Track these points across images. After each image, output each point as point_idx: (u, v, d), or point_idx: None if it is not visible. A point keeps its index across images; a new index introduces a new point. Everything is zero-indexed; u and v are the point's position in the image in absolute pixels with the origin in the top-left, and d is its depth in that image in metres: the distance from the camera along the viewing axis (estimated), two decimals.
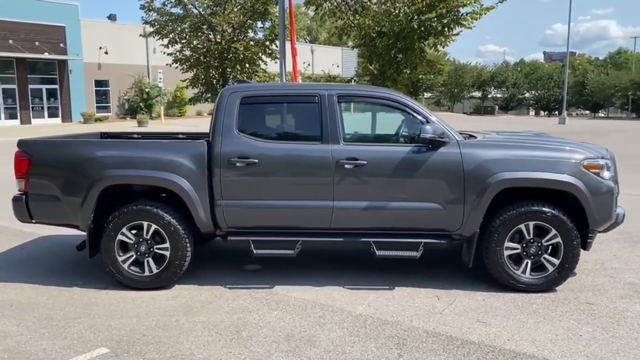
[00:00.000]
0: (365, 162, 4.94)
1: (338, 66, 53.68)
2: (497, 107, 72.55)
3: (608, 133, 28.20)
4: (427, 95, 67.77)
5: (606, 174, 4.98)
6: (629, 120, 58.22)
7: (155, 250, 5.14)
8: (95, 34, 34.25)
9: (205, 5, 16.05)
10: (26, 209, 5.23)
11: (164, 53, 16.96)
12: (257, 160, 4.98)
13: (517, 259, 5.01)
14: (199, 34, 16.37)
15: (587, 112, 79.84)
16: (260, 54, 16.66)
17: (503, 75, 69.67)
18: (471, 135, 5.39)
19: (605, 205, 4.95)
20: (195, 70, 16.68)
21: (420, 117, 5.09)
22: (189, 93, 17.28)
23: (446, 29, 12.52)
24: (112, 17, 38.30)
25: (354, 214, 5.04)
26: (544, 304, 4.73)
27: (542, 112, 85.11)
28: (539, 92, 76.83)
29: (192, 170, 5.04)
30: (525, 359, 3.77)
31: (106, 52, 34.98)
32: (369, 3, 12.60)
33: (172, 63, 16.80)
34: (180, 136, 6.68)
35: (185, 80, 17.44)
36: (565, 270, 4.97)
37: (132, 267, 5.17)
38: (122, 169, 5.09)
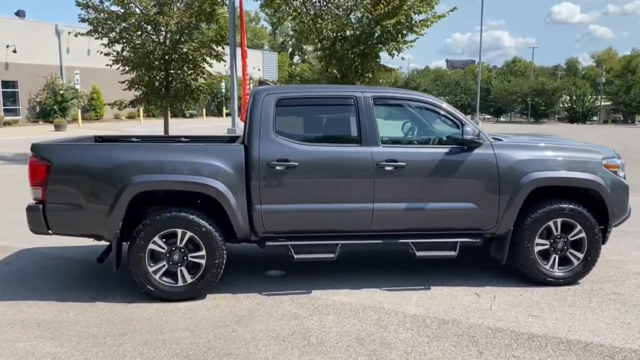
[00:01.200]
0: (404, 164, 5.00)
1: (259, 69, 53.49)
2: None
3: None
4: None
5: (621, 173, 5.36)
6: (529, 124, 62.54)
7: (190, 259, 4.89)
8: (1, 31, 31.79)
9: (149, 4, 15.40)
10: (43, 219, 4.79)
11: (101, 53, 16.09)
12: (297, 164, 4.89)
13: (544, 255, 5.26)
14: (142, 33, 15.70)
15: (490, 116, 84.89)
16: (205, 56, 16.25)
17: (416, 81, 72.71)
18: (495, 138, 5.60)
19: (622, 201, 5.33)
20: (137, 71, 15.96)
21: (453, 120, 5.22)
22: (129, 95, 16.39)
23: (399, 35, 12.88)
24: (20, 14, 35.71)
25: (394, 216, 5.07)
26: (577, 297, 5.01)
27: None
28: (447, 97, 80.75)
29: (230, 175, 4.85)
30: (595, 347, 3.97)
31: (14, 51, 32.52)
32: (329, 8, 12.69)
33: (112, 64, 15.97)
34: (183, 139, 6.41)
35: (124, 82, 16.64)
36: (589, 263, 5.29)
37: (163, 278, 4.88)
38: (157, 174, 4.81)
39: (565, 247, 5.26)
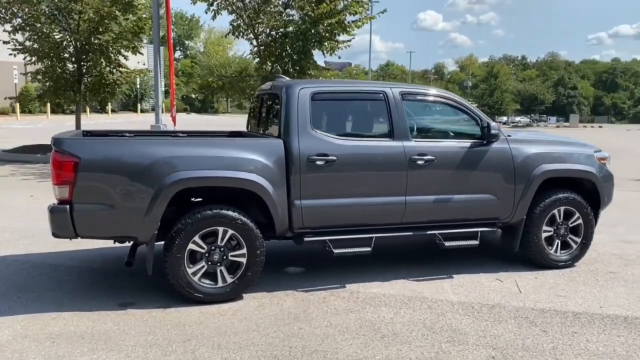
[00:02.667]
0: (434, 158, 5.18)
1: (144, 64, 51.07)
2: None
3: None
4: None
5: (609, 165, 5.99)
6: None
7: (230, 258, 4.69)
8: None
9: None
10: (71, 221, 4.33)
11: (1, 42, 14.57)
12: (335, 158, 4.88)
13: (549, 240, 5.72)
14: (52, 22, 14.44)
15: None
16: (122, 49, 15.33)
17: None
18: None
19: (610, 190, 5.96)
20: (46, 62, 14.64)
21: (473, 115, 5.50)
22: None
23: (333, 35, 13.09)
24: None
25: (424, 208, 5.24)
26: (584, 277, 5.52)
27: None
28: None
29: (272, 170, 4.72)
30: (634, 320, 4.43)
31: None
32: (267, 3, 12.57)
33: (17, 53, 14.49)
34: (180, 134, 6.10)
35: (27, 74, 15.19)
36: (585, 247, 5.85)
37: (203, 280, 4.64)
38: (199, 170, 4.54)
39: (566, 233, 5.76)
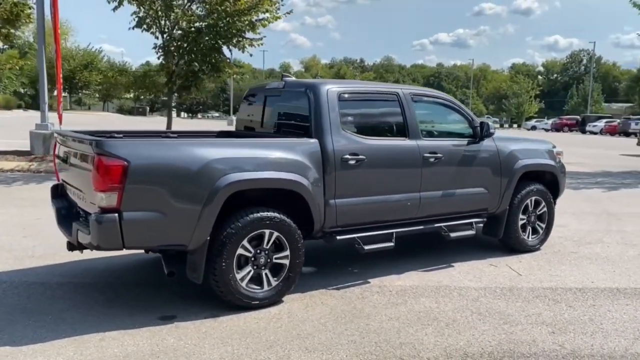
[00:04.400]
0: (442, 155, 5.56)
1: None
2: (148, 108, 73.19)
3: None
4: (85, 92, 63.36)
5: (563, 159, 6.86)
6: None
7: (274, 261, 4.61)
8: None
9: None
10: (120, 231, 3.94)
11: None
12: (365, 157, 5.02)
13: (523, 227, 6.41)
14: None
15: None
16: None
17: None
18: None
19: (564, 181, 6.83)
20: None
21: (466, 115, 5.97)
22: None
23: (241, 31, 12.98)
24: None
25: (434, 203, 5.58)
26: (558, 258, 6.27)
27: (183, 114, 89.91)
28: (183, 95, 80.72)
29: (311, 170, 4.72)
30: (629, 290, 5.19)
31: None
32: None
33: None
34: (171, 135, 5.77)
35: None
36: (548, 231, 6.65)
37: (249, 285, 4.50)
38: (249, 172, 4.39)
39: (535, 220, 6.50)
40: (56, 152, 5.18)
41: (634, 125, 44.38)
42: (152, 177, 4.04)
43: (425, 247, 6.41)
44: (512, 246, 6.36)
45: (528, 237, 6.45)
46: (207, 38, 11.93)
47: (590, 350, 3.89)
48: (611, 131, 48.53)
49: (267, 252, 4.54)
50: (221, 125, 44.75)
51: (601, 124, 51.77)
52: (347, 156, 4.90)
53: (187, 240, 4.18)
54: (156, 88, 13.26)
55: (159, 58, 13.19)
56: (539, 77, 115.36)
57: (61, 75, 12.80)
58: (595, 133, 50.81)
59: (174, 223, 4.11)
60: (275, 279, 4.60)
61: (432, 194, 5.53)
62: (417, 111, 5.57)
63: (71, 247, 4.59)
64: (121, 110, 72.16)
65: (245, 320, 4.32)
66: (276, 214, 4.52)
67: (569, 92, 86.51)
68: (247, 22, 12.51)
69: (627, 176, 15.22)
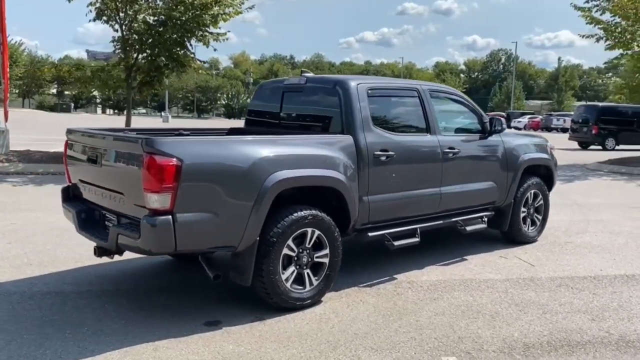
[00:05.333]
0: (459, 151, 5.65)
1: None
2: (72, 104, 69.86)
3: None
4: None
5: (555, 153, 7.15)
6: (195, 119, 66.03)
7: (315, 260, 4.52)
8: None
9: None
10: (173, 234, 3.72)
11: None
12: (394, 153, 5.02)
13: (524, 220, 6.64)
14: None
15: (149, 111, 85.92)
16: None
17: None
18: None
19: (556, 174, 7.12)
20: None
21: (476, 110, 6.09)
22: None
23: (203, 25, 12.62)
24: None
25: (452, 197, 5.66)
26: (558, 248, 6.53)
27: (109, 111, 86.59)
28: (110, 91, 77.68)
29: (348, 166, 4.67)
30: (633, 278, 5.49)
31: None
32: None
33: None
34: (184, 133, 5.52)
35: None
36: (544, 223, 6.92)
37: (294, 285, 4.39)
38: (294, 169, 4.27)
39: (533, 212, 6.75)
40: (69, 152, 4.81)
41: (556, 121, 47.12)
42: (205, 177, 3.85)
43: (432, 242, 6.48)
44: (514, 238, 6.57)
45: (528, 229, 6.68)
46: (172, 32, 11.48)
47: (637, 335, 4.07)
48: (534, 127, 51.09)
49: (308, 251, 4.44)
50: (157, 122, 43.49)
51: (525, 119, 54.39)
52: (379, 152, 4.88)
53: (237, 241, 4.02)
54: (116, 83, 12.63)
55: (115, 51, 12.57)
56: (462, 75, 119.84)
57: (8, 71, 11.96)
58: (519, 128, 53.28)
59: (225, 224, 3.94)
60: (315, 278, 4.51)
61: (450, 188, 5.61)
62: (435, 107, 5.63)
63: (101, 252, 4.29)
64: (42, 107, 68.40)
65: (294, 321, 4.20)
66: (317, 212, 4.43)
67: (493, 89, 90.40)
68: (211, 16, 12.16)
69: (573, 169, 16.11)
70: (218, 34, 12.48)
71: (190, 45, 12.92)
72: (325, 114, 5.11)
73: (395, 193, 5.09)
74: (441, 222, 5.65)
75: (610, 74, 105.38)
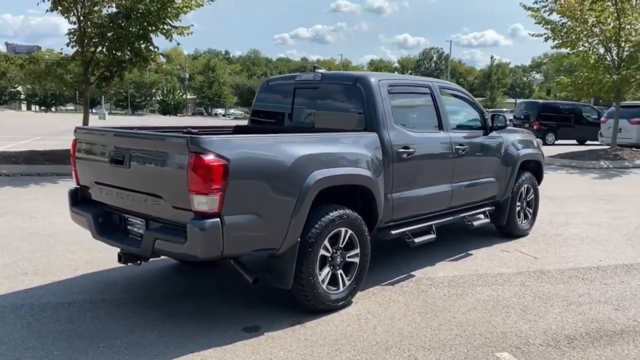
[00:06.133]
0: (467, 147, 5.71)
1: None
2: None
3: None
4: None
5: (541, 148, 7.37)
6: (129, 116, 63.87)
7: (347, 260, 4.44)
8: None
9: None
10: (222, 238, 3.54)
11: None
12: (414, 150, 5.01)
13: (518, 214, 6.81)
14: None
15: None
16: None
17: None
18: None
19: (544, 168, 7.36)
20: None
21: (478, 107, 6.18)
22: None
23: (164, 18, 12.18)
24: None
25: (462, 193, 5.72)
26: (551, 241, 6.74)
27: (34, 108, 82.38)
28: (36, 87, 73.97)
29: (376, 164, 4.61)
30: (631, 267, 5.73)
31: None
32: None
33: None
34: (194, 131, 5.29)
35: None
36: (535, 216, 7.12)
37: (329, 286, 4.29)
38: (332, 168, 4.17)
39: (526, 206, 6.94)
40: (80, 153, 4.48)
41: None
42: (250, 176, 3.68)
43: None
44: (510, 232, 6.73)
45: (522, 222, 6.85)
46: (135, 24, 10.98)
47: None
48: None
49: (341, 251, 4.36)
50: (94, 120, 41.78)
51: None
52: (401, 149, 4.85)
53: (280, 242, 3.87)
54: (74, 79, 11.92)
55: (69, 45, 11.88)
56: (396, 72, 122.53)
57: None
58: None
59: (269, 225, 3.78)
60: (347, 278, 4.43)
61: (460, 184, 5.66)
62: (445, 103, 5.66)
63: (128, 259, 4.03)
64: None
65: (334, 323, 4.11)
66: (350, 211, 4.34)
67: None
68: (175, 8, 11.74)
69: None
70: (183, 27, 12.03)
71: (151, 39, 12.40)
72: (347, 111, 5.02)
73: (415, 190, 5.08)
74: (451, 218, 5.70)
75: (534, 72, 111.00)
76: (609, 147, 17.77)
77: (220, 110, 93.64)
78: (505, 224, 6.62)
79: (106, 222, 4.24)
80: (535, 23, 17.05)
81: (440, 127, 5.45)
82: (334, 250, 4.29)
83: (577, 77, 17.30)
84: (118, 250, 4.17)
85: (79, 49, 11.65)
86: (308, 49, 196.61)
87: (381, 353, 3.64)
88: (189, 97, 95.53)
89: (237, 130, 5.72)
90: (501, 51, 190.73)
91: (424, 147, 5.13)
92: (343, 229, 4.30)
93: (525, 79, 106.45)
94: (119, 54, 11.40)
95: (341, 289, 4.36)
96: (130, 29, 11.01)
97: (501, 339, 3.91)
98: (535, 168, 7.09)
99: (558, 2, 16.43)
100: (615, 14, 15.82)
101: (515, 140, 6.57)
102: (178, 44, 12.39)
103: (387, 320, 4.20)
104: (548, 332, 4.02)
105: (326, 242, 4.18)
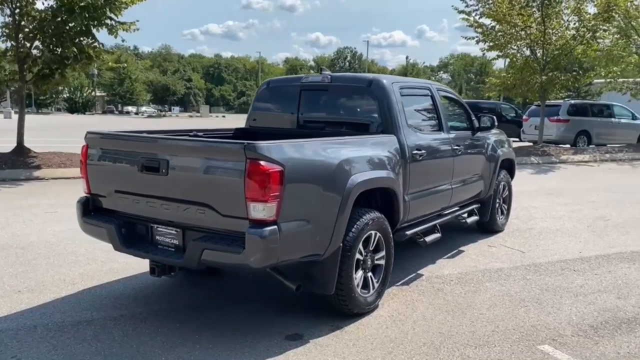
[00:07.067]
0: (462, 147, 5.90)
1: None
2: None
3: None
4: None
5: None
6: (33, 114, 60.19)
7: (375, 262, 4.46)
8: None
9: None
10: (279, 245, 3.44)
11: None
12: (425, 152, 5.11)
13: (497, 210, 7.12)
14: None
15: None
16: None
17: None
18: None
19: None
20: None
21: (466, 108, 6.38)
22: None
23: (101, 12, 11.57)
24: None
25: (459, 192, 5.89)
26: (527, 234, 7.11)
27: None
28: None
29: (397, 166, 4.67)
30: (609, 257, 6.17)
31: None
32: None
33: None
34: (199, 134, 5.10)
35: None
36: (509, 212, 7.48)
37: (362, 290, 4.30)
38: (367, 171, 4.17)
39: (502, 202, 7.27)
40: (95, 161, 4.17)
41: None
42: (302, 182, 3.62)
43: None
44: (491, 228, 7.02)
45: (501, 217, 7.18)
46: (79, 19, 10.31)
47: None
48: None
49: (370, 254, 4.37)
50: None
51: None
52: (415, 151, 4.93)
53: (325, 248, 3.82)
54: (8, 76, 10.99)
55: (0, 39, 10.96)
56: (311, 71, 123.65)
57: None
58: None
59: (316, 231, 3.73)
60: (376, 280, 4.45)
61: (458, 183, 5.84)
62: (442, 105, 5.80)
63: (163, 271, 3.82)
64: None
65: (372, 327, 4.12)
66: (379, 214, 4.37)
67: None
68: (120, 2, 11.17)
69: None
70: (130, 23, 11.46)
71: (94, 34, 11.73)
72: (361, 114, 5.03)
73: (425, 191, 5.18)
74: (450, 216, 5.86)
75: (442, 72, 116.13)
76: (532, 144, 18.92)
77: (131, 109, 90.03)
78: (489, 221, 6.89)
79: (130, 233, 3.99)
80: (467, 26, 17.83)
81: (440, 128, 5.59)
82: (365, 254, 4.29)
83: (505, 78, 18.27)
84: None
85: (13, 44, 10.78)
86: (220, 45, 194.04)
87: (433, 354, 3.69)
88: (98, 94, 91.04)
89: (239, 133, 5.55)
90: (409, 51, 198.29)
91: (431, 148, 5.24)
92: (373, 232, 4.31)
93: (433, 78, 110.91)
94: (60, 50, 10.66)
95: (371, 291, 4.37)
96: (72, 24, 10.31)
97: (533, 332, 4.08)
98: (508, 166, 7.43)
99: (487, 6, 17.27)
100: (541, 19, 16.88)
101: (495, 140, 6.86)
102: (123, 40, 11.81)
103: (420, 320, 4.26)
104: (572, 323, 4.25)
105: (360, 246, 4.18)
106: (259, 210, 3.35)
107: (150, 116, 71.94)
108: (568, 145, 19.65)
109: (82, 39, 10.93)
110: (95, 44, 11.29)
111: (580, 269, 5.66)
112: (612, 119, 21.14)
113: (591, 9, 17.37)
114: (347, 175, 3.93)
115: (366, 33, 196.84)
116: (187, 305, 4.47)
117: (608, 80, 19.89)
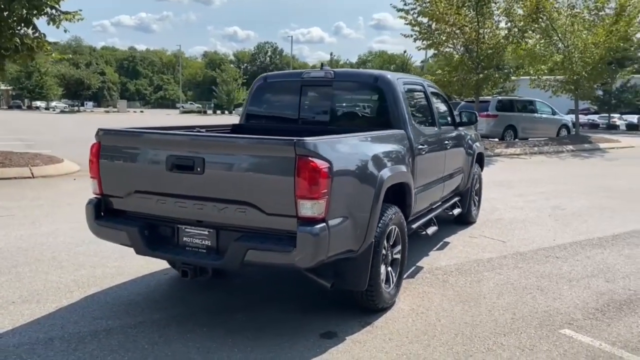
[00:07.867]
0: (450, 141, 6.08)
1: None
2: None
3: None
4: None
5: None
6: None
7: (393, 256, 4.51)
8: None
9: None
10: (327, 244, 3.40)
11: None
12: (427, 146, 5.23)
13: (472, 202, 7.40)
14: None
15: None
16: None
17: None
18: None
19: None
20: None
21: (449, 104, 6.57)
22: None
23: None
24: None
25: (448, 185, 6.08)
26: (500, 225, 7.43)
27: None
28: None
29: (409, 161, 4.74)
30: (582, 244, 6.58)
31: None
32: None
33: None
34: (201, 130, 4.92)
35: None
36: (480, 204, 7.78)
37: (385, 285, 4.33)
38: (392, 166, 4.21)
39: (474, 195, 7.55)
40: (112, 160, 3.91)
41: None
42: (345, 178, 3.60)
43: None
44: (466, 219, 7.28)
45: (474, 210, 7.45)
46: (19, 7, 9.56)
47: None
48: None
49: (390, 248, 4.41)
50: None
51: None
52: (420, 145, 5.02)
53: (360, 243, 3.81)
54: None
55: None
56: (231, 65, 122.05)
57: None
58: None
59: (355, 226, 3.71)
60: (394, 275, 4.50)
61: (447, 176, 6.01)
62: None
63: (196, 273, 3.67)
64: None
65: (399, 321, 4.16)
66: (397, 209, 4.41)
67: None
68: None
69: None
70: (73, 13, 10.79)
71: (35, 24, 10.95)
72: (369, 109, 5.04)
73: (426, 184, 5.29)
74: (440, 209, 6.01)
75: (361, 68, 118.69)
76: None
77: (41, 104, 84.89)
78: (467, 212, 7.14)
79: (154, 235, 3.79)
80: (405, 24, 18.27)
81: (433, 123, 5.71)
82: (387, 248, 4.32)
83: (442, 75, 18.92)
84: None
85: None
86: (132, 38, 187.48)
87: (468, 343, 3.79)
88: (2, 88, 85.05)
89: (238, 130, 5.40)
90: (327, 48, 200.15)
91: (430, 143, 5.35)
92: (393, 227, 4.35)
93: None
94: (15, 41, 9.87)
95: (391, 285, 4.41)
96: (10, 12, 9.55)
97: (549, 317, 4.28)
98: (479, 160, 7.71)
99: (424, 5, 17.78)
100: (476, 20, 17.61)
101: (470, 134, 7.10)
102: (66, 30, 11.10)
103: (442, 312, 4.35)
104: (579, 307, 4.50)
105: (384, 240, 4.20)
106: (309, 208, 3.29)
107: (62, 112, 68.22)
108: (497, 139, 20.66)
109: (21, 28, 10.15)
110: (37, 34, 10.53)
111: (562, 256, 5.99)
112: (535, 114, 22.50)
113: (520, 10, 18.32)
114: (378, 171, 3.94)
115: (284, 28, 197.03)
116: (204, 308, 4.30)
117: (533, 77, 21.10)
